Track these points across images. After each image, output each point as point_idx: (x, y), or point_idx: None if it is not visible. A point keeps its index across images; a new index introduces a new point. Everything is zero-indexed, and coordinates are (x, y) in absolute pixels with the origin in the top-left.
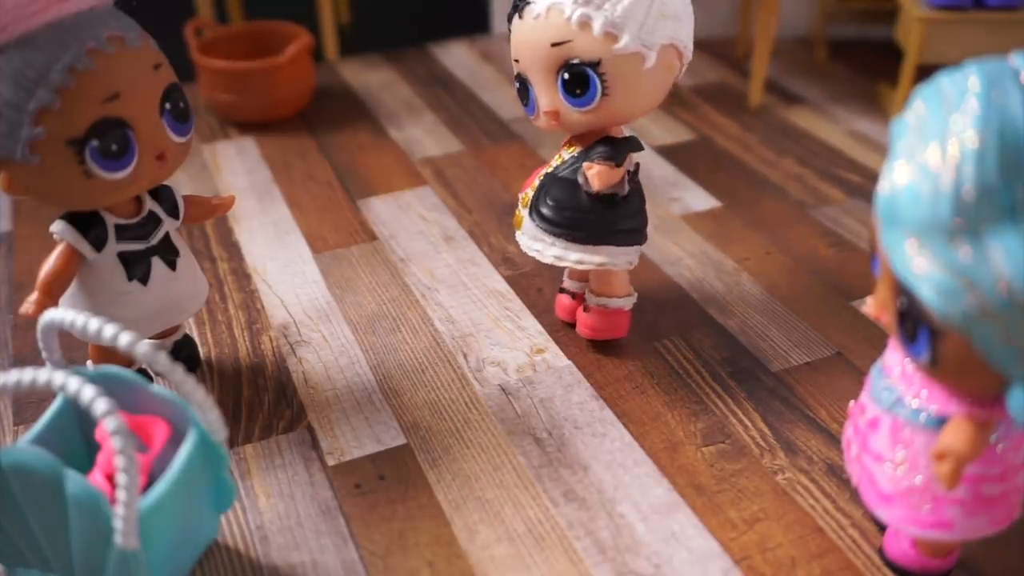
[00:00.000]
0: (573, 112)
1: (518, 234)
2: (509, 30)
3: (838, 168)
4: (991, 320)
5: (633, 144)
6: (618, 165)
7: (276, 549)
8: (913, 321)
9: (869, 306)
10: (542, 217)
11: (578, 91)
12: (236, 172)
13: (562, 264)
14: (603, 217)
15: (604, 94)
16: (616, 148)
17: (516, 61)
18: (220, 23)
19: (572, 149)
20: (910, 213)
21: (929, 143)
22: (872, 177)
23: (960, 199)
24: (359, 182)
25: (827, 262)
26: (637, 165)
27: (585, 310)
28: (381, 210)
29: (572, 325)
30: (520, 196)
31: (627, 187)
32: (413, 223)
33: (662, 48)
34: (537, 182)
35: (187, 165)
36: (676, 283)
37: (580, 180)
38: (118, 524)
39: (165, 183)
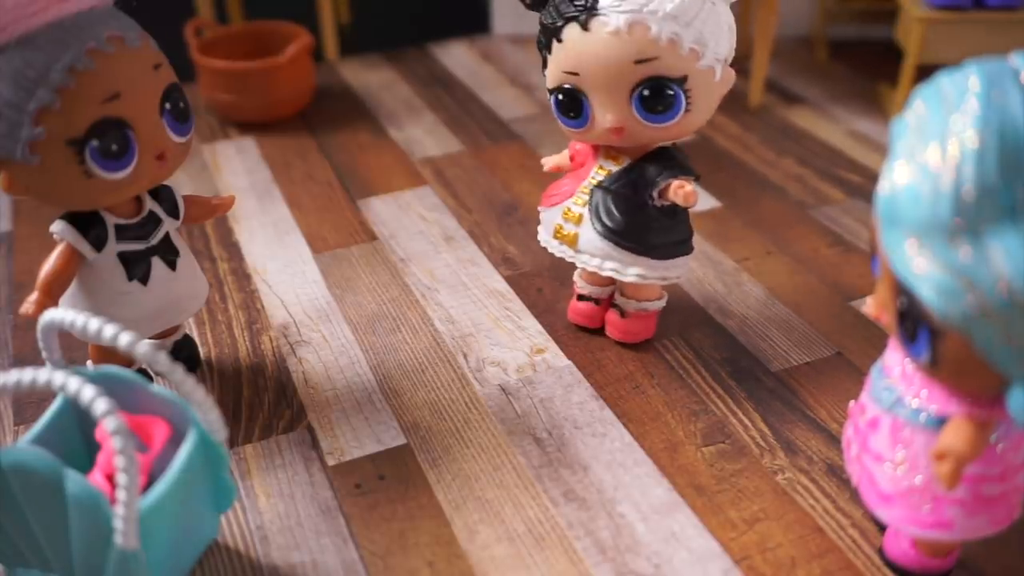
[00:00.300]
0: (646, 128)
1: (569, 252)
2: (553, 38)
3: (838, 168)
4: (991, 320)
5: (682, 148)
6: (697, 178)
7: (276, 549)
8: (913, 321)
9: (869, 306)
10: (611, 231)
11: (660, 108)
12: (236, 172)
13: (620, 279)
14: (667, 230)
15: (687, 109)
16: (684, 162)
17: (572, 74)
18: (220, 23)
19: (616, 160)
20: (910, 213)
21: (929, 143)
22: (872, 177)
23: (960, 199)
24: (359, 182)
25: (827, 262)
26: None
27: (622, 315)
28: (381, 210)
29: (588, 330)
30: (556, 210)
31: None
32: (413, 223)
33: (724, 61)
34: (581, 198)
35: (187, 165)
36: (676, 283)
37: (657, 200)
38: (118, 524)
39: (165, 183)
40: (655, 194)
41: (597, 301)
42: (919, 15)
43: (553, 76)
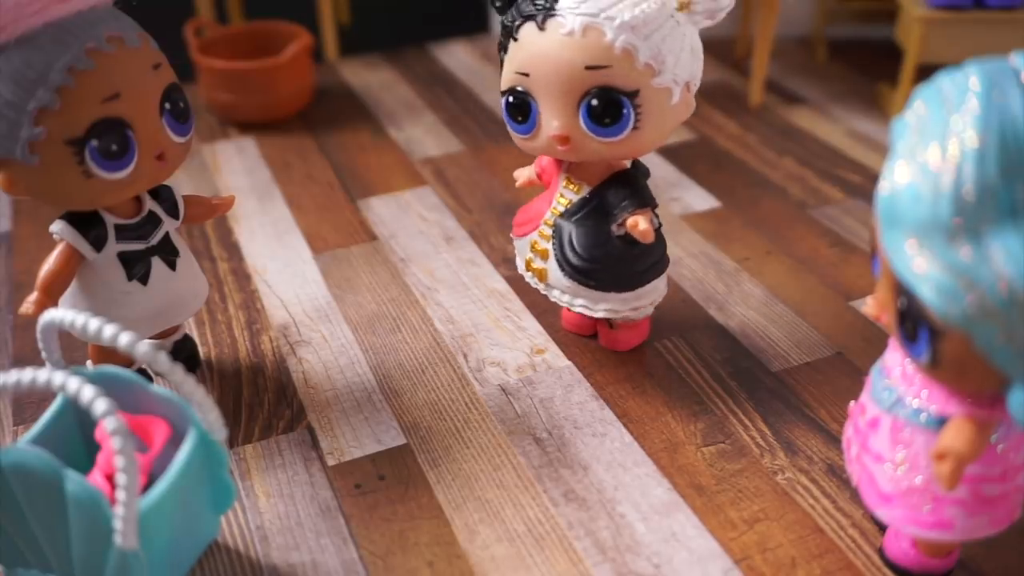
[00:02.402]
0: (592, 140)
1: (541, 286)
2: (511, 38)
3: (838, 168)
4: (991, 320)
5: (646, 172)
6: (654, 208)
7: (276, 549)
8: (913, 321)
9: (869, 306)
10: (576, 270)
11: (607, 120)
12: (236, 172)
13: (591, 315)
14: (636, 258)
15: (635, 127)
16: (642, 190)
17: (523, 74)
18: (220, 23)
19: (575, 188)
20: (910, 213)
21: (929, 143)
22: (872, 177)
23: (960, 199)
24: (359, 182)
25: (827, 262)
26: None
27: (611, 326)
28: (381, 210)
29: (584, 336)
30: (525, 241)
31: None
32: (413, 223)
33: (685, 85)
34: (545, 231)
35: (187, 165)
36: (676, 283)
37: (616, 231)
38: (118, 524)
39: (165, 183)
40: (615, 227)
41: None
42: (919, 15)
43: (506, 77)
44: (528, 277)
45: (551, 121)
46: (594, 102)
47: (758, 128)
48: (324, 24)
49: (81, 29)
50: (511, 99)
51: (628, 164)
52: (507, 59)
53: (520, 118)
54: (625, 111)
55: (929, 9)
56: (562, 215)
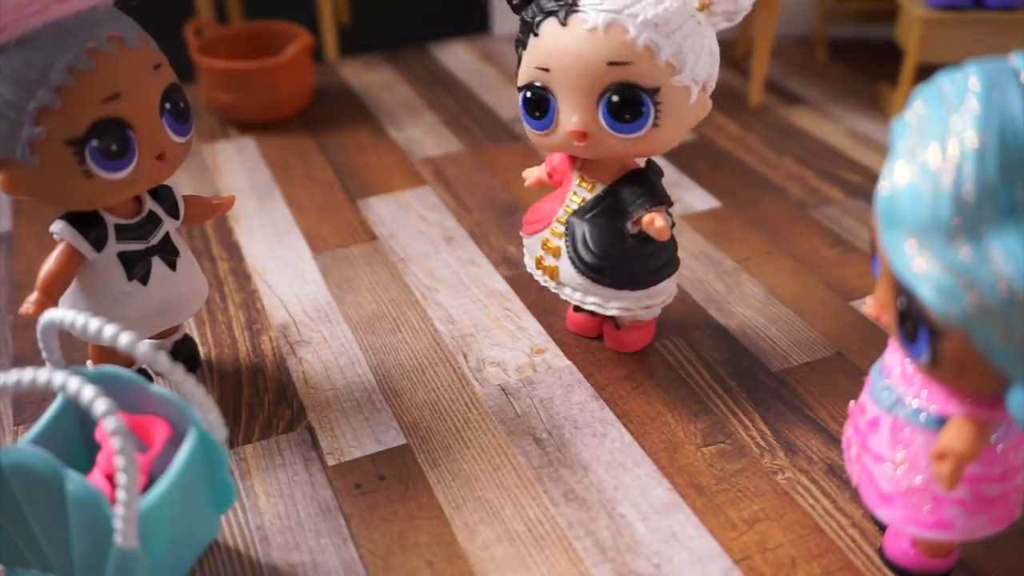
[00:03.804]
0: (610, 137)
1: (552, 284)
2: (531, 33)
3: (838, 168)
4: (991, 320)
5: (659, 172)
6: (669, 206)
7: (276, 549)
8: (913, 321)
9: (869, 306)
10: (589, 267)
11: (627, 116)
12: (236, 172)
13: (603, 312)
14: (649, 257)
15: (655, 124)
16: (657, 188)
17: (543, 69)
18: (220, 23)
19: (589, 187)
20: (910, 213)
21: (929, 143)
22: (872, 177)
23: (960, 199)
24: (359, 182)
25: (827, 262)
26: None
27: (617, 327)
28: (381, 210)
29: (587, 338)
30: (535, 240)
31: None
32: (413, 223)
33: (703, 85)
34: (557, 228)
35: (187, 165)
36: (676, 283)
37: (630, 228)
38: (118, 524)
39: (165, 183)
40: (629, 224)
41: (592, 312)
42: (919, 15)
43: (525, 72)
44: (538, 275)
45: (570, 116)
46: (614, 98)
47: (758, 128)
48: (324, 24)
49: (81, 29)
50: (529, 94)
51: (642, 163)
52: (526, 55)
53: (538, 113)
54: (645, 108)
55: (929, 9)
56: (575, 213)
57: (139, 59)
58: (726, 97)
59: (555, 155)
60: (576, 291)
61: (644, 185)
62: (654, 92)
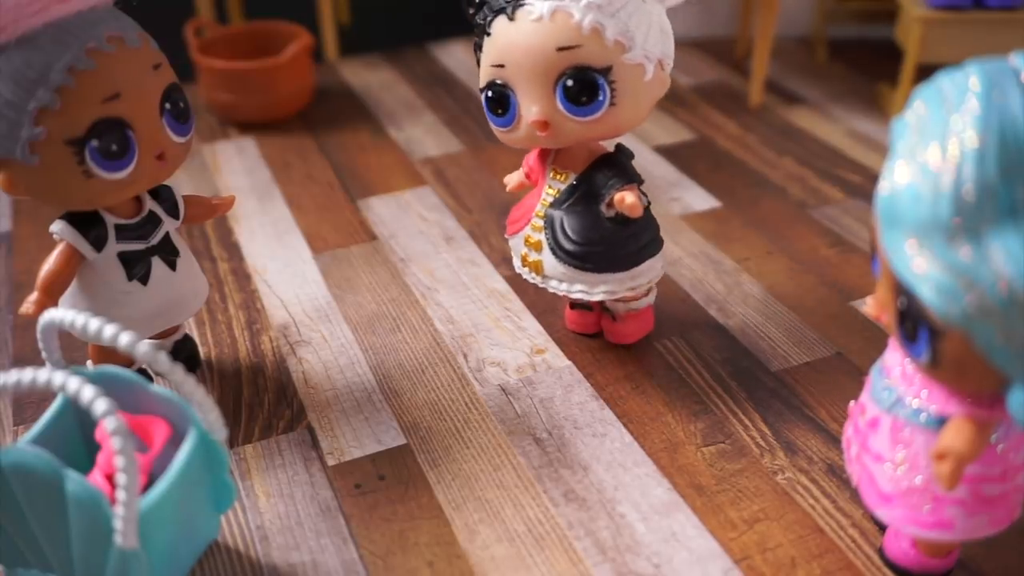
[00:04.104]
0: (570, 121)
1: (538, 279)
2: (483, 34)
3: (838, 168)
4: (991, 320)
5: (629, 154)
6: (640, 184)
7: (276, 549)
8: (913, 321)
9: (869, 306)
10: (571, 255)
11: (584, 98)
12: (236, 172)
13: (589, 299)
14: (630, 238)
15: (612, 103)
16: (626, 168)
17: (499, 66)
18: (220, 23)
19: (562, 178)
20: (910, 213)
21: (929, 143)
22: (872, 177)
23: (960, 199)
24: (359, 182)
25: (827, 262)
26: None
27: (614, 319)
28: (381, 210)
29: (587, 336)
30: (519, 238)
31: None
32: (413, 223)
33: (658, 62)
34: (536, 223)
35: (187, 165)
36: (676, 283)
37: (606, 212)
38: (118, 524)
39: (165, 183)
40: (604, 207)
41: (589, 307)
42: (919, 15)
43: (484, 72)
44: (525, 273)
45: (530, 107)
46: (569, 82)
47: (758, 128)
48: (324, 24)
49: (81, 29)
50: (490, 93)
51: (611, 148)
52: (483, 56)
53: (500, 111)
54: (600, 88)
55: (929, 9)
56: (551, 205)
57: (139, 59)
58: (726, 97)
59: (530, 155)
60: (562, 282)
61: (613, 167)
62: (607, 71)
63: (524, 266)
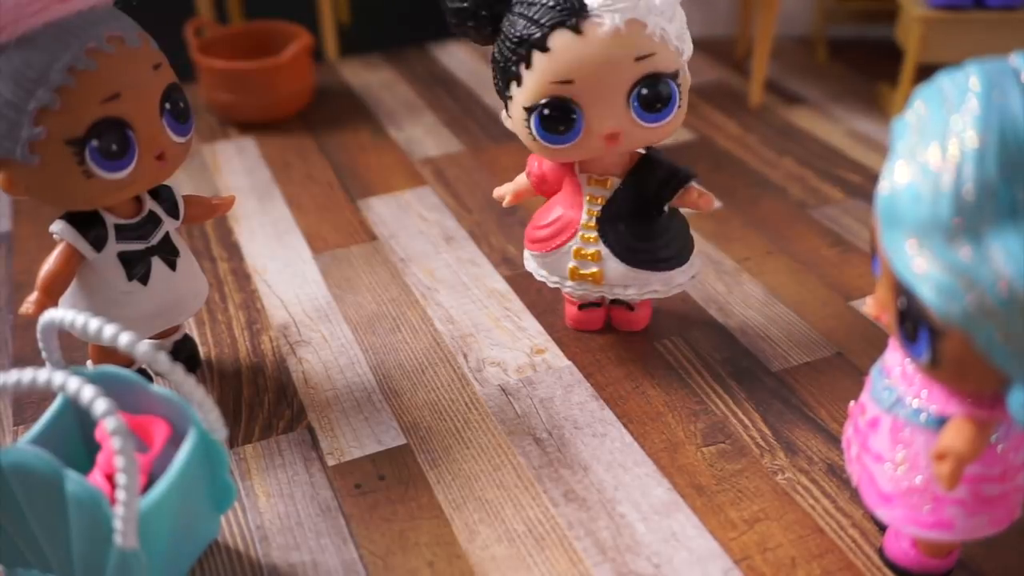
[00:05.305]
0: (640, 129)
1: (598, 289)
2: (536, 50)
3: (838, 168)
4: (991, 320)
5: (660, 150)
6: (695, 177)
7: (276, 549)
8: (913, 321)
9: (869, 306)
10: (646, 258)
11: (659, 105)
12: (236, 172)
13: (640, 299)
14: (680, 232)
15: (679, 106)
16: (672, 165)
17: (566, 83)
18: (220, 23)
19: (603, 184)
20: (910, 213)
21: (929, 143)
22: (872, 177)
23: (960, 199)
24: (359, 182)
25: (827, 262)
26: None
27: (631, 308)
28: (381, 210)
29: (588, 333)
30: (560, 253)
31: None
32: (413, 223)
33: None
34: (589, 234)
35: (187, 165)
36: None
37: (675, 204)
38: (118, 524)
39: (165, 183)
40: (666, 208)
41: (598, 304)
42: (919, 15)
43: (536, 91)
44: (575, 286)
45: (603, 122)
46: (644, 91)
47: (758, 128)
48: (324, 24)
49: (81, 29)
50: (547, 111)
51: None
52: (533, 73)
53: (563, 127)
54: (673, 93)
55: (929, 9)
56: (602, 214)
57: (139, 59)
58: (726, 97)
59: (537, 164)
60: (622, 287)
61: (661, 166)
62: (675, 76)
63: (573, 279)
